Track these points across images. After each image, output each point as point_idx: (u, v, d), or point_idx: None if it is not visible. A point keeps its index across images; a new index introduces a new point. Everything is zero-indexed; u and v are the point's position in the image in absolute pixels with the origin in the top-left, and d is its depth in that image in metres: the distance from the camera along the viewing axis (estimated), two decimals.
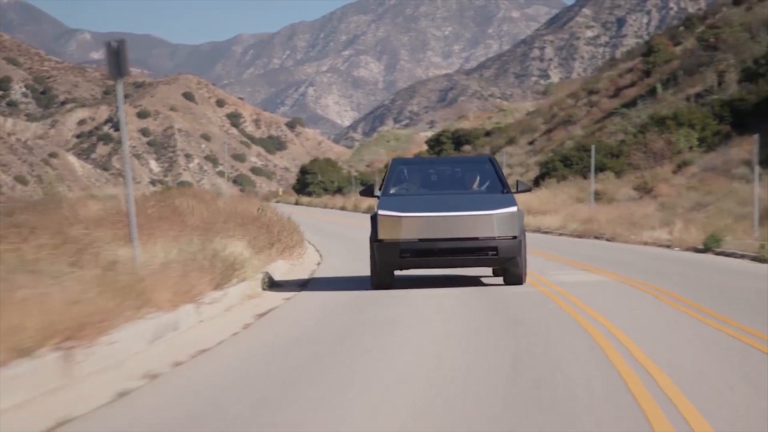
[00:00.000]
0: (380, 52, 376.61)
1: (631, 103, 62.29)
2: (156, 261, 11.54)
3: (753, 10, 69.70)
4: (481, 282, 15.76)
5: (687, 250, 23.27)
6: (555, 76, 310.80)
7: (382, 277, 14.65)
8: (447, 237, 14.14)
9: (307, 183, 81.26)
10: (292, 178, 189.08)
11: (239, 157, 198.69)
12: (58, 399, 6.95)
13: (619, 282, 15.38)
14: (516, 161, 64.67)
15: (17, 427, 6.21)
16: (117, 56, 11.40)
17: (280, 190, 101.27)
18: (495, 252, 14.17)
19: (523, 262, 14.54)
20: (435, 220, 14.17)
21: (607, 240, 27.82)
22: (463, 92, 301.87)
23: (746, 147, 40.27)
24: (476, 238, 14.15)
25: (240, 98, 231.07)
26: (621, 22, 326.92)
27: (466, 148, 77.77)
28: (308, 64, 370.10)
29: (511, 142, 71.38)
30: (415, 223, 14.15)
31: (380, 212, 14.37)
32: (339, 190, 75.27)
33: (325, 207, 69.47)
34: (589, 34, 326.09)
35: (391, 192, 15.21)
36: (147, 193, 36.50)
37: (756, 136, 27.67)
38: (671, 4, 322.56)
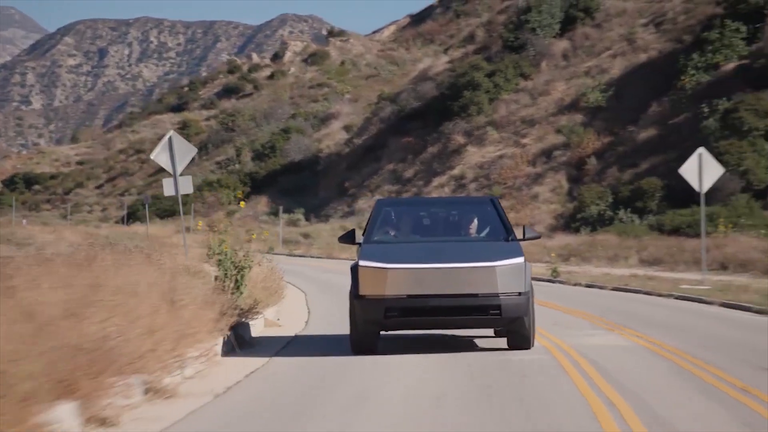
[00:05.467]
0: None
1: None
2: None
3: (253, 98, 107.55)
4: (479, 346, 14.39)
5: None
6: (37, 103, 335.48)
7: (363, 340, 13.34)
8: (441, 293, 12.89)
9: None
10: None
11: None
12: None
13: None
14: (92, 201, 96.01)
15: None
16: None
17: None
18: (498, 311, 12.89)
19: (531, 323, 13.25)
20: (427, 273, 12.93)
21: None
22: None
23: (263, 203, 76.60)
24: (476, 295, 12.88)
25: None
26: (103, 53, 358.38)
27: (37, 187, 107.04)
28: None
29: (80, 185, 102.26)
30: (403, 275, 12.91)
31: (362, 263, 13.09)
32: None
33: None
34: (72, 62, 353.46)
35: (375, 239, 13.88)
36: None
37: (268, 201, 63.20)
38: (151, 38, 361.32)
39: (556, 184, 60.75)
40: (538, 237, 14.65)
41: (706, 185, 25.41)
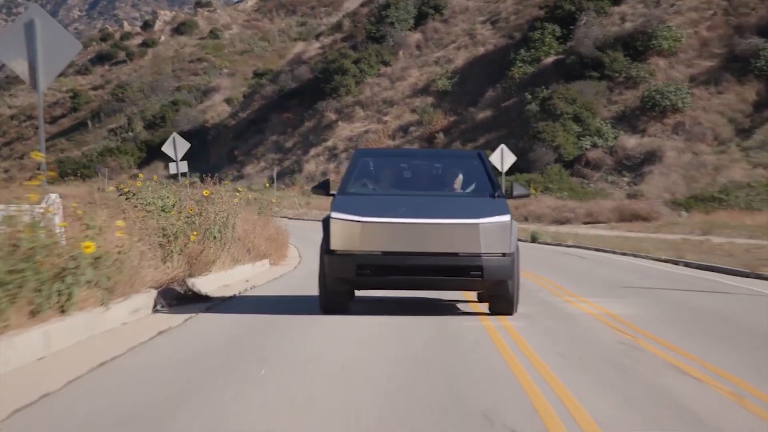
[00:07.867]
0: None
1: (71, 129, 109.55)
2: None
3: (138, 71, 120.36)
4: (459, 310, 13.52)
5: None
6: None
7: (332, 299, 12.52)
8: (419, 251, 11.96)
9: None
10: None
11: None
12: None
13: None
14: None
15: None
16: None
17: None
18: (479, 272, 11.95)
19: (515, 287, 12.32)
20: (404, 228, 12.01)
21: None
22: None
23: (161, 168, 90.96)
24: (456, 254, 11.95)
25: None
26: None
27: None
28: None
29: None
30: (378, 230, 12.03)
31: (334, 215, 12.24)
32: None
33: None
34: None
35: (350, 190, 13.04)
36: None
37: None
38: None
39: None
40: (528, 195, 13.72)
41: (506, 167, 41.47)
